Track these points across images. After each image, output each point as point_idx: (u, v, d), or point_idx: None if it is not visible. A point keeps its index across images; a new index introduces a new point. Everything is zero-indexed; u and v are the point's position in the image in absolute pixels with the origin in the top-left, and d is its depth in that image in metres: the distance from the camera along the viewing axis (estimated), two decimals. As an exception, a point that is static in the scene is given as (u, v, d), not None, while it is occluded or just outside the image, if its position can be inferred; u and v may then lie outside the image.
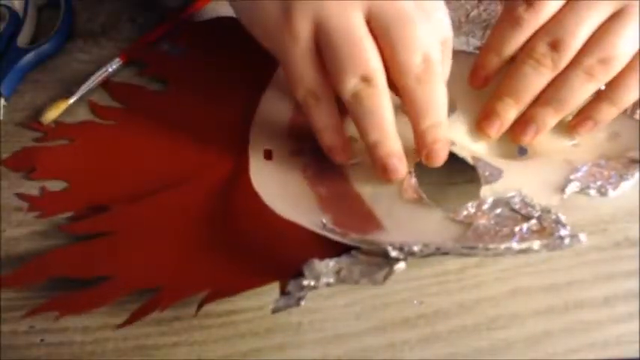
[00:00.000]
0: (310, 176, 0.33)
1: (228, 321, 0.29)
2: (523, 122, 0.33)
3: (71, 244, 0.31)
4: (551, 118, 0.32)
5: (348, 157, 0.33)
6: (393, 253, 0.27)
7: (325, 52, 0.29)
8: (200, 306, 0.28)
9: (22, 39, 0.40)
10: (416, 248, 0.27)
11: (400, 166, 0.31)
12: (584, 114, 0.33)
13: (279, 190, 0.33)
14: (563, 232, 0.28)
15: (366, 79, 0.28)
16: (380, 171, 0.31)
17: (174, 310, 0.29)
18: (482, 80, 0.34)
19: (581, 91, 0.31)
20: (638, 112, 0.34)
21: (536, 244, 0.27)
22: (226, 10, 0.40)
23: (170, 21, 0.41)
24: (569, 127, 0.34)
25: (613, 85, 0.32)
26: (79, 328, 0.29)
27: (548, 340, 0.28)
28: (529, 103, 0.33)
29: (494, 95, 0.33)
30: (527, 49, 0.32)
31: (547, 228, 0.28)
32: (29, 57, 0.39)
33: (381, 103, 0.29)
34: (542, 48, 0.31)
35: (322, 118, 0.31)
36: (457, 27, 0.38)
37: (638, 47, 0.31)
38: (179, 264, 0.30)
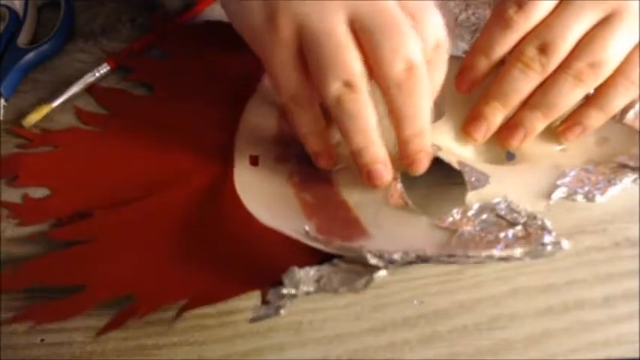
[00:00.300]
0: (296, 183, 0.33)
1: (228, 321, 0.29)
2: (511, 127, 0.33)
3: (50, 252, 0.31)
4: (539, 122, 0.32)
5: (334, 163, 0.33)
6: (373, 261, 0.27)
7: (308, 56, 0.29)
8: (178, 314, 0.28)
9: (22, 39, 0.40)
10: (396, 256, 0.27)
11: (385, 172, 0.31)
12: (573, 119, 0.33)
13: (264, 196, 0.33)
14: (547, 238, 0.28)
15: (348, 84, 0.28)
16: (365, 177, 0.31)
17: (174, 310, 0.29)
18: (468, 83, 0.33)
19: (570, 96, 0.31)
20: (626, 117, 0.34)
21: (517, 251, 0.27)
22: (214, 15, 0.41)
23: (157, 31, 0.41)
24: (557, 133, 0.34)
25: (601, 90, 0.32)
26: (79, 328, 0.29)
27: (548, 340, 0.28)
28: (516, 106, 0.32)
29: (481, 99, 0.33)
30: (515, 52, 0.32)
31: (532, 234, 0.28)
32: (29, 57, 0.39)
33: (364, 108, 0.29)
34: (530, 51, 0.31)
35: (306, 124, 0.31)
36: (449, 29, 0.38)
37: (626, 52, 0.31)
38: (158, 271, 0.30)
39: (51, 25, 0.40)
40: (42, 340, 0.29)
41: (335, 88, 0.28)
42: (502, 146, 0.34)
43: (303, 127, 0.31)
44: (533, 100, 0.32)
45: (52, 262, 0.31)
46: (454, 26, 0.38)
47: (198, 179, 0.34)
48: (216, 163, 0.34)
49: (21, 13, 0.41)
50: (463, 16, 0.38)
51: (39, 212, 0.33)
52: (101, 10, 0.42)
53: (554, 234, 0.28)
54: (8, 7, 0.40)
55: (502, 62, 0.32)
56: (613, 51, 0.30)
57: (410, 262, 0.27)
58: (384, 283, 0.30)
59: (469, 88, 0.34)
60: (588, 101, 0.32)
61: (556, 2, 0.31)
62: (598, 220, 0.31)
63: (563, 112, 0.32)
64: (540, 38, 0.31)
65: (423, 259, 0.27)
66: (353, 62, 0.28)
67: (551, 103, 0.31)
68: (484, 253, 0.27)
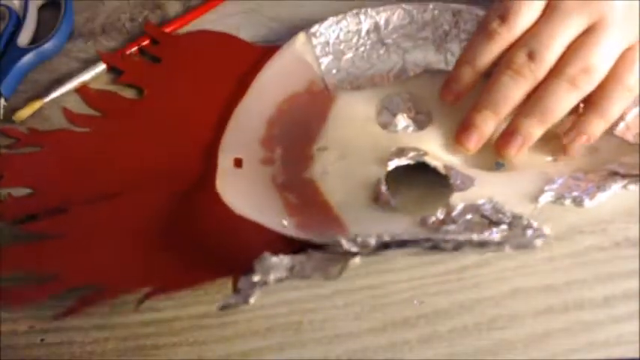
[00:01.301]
0: (279, 184, 0.34)
1: (228, 321, 0.29)
2: (507, 135, 0.33)
3: (26, 242, 0.32)
4: (536, 128, 0.32)
5: (454, 101, 0.34)
6: (346, 245, 0.26)
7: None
8: (141, 301, 0.29)
9: (22, 39, 0.40)
10: (370, 239, 0.26)
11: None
12: (577, 130, 0.33)
13: (245, 194, 0.33)
14: (529, 232, 0.28)
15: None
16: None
17: (175, 310, 0.29)
18: (454, 94, 0.34)
19: (565, 101, 0.31)
20: (617, 128, 0.34)
21: (496, 237, 0.27)
22: (208, 25, 0.41)
23: (148, 35, 0.41)
24: (563, 148, 0.33)
25: (599, 97, 0.32)
26: (79, 328, 0.29)
27: (548, 340, 0.28)
28: (507, 114, 0.32)
29: (472, 108, 0.33)
30: (505, 60, 0.32)
31: (516, 232, 0.28)
32: (29, 57, 0.39)
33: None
34: (520, 58, 0.31)
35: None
36: (439, 44, 0.39)
37: (615, 57, 0.31)
38: (128, 260, 0.31)
39: (51, 25, 0.40)
40: (42, 340, 0.29)
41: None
42: (500, 155, 0.33)
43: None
44: (528, 107, 0.32)
45: (24, 251, 0.31)
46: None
47: (179, 178, 0.34)
48: (198, 164, 0.35)
49: (21, 13, 0.41)
50: (453, 32, 0.39)
51: (17, 208, 0.33)
52: (101, 10, 0.42)
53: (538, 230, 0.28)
54: (8, 7, 0.40)
55: (487, 75, 0.33)
56: (603, 56, 0.31)
57: (385, 247, 0.26)
58: (384, 283, 0.30)
59: (454, 100, 0.34)
60: (587, 110, 0.32)
61: (539, 14, 0.31)
62: (598, 220, 0.31)
63: (558, 119, 0.32)
64: (529, 46, 0.31)
65: (398, 243, 0.26)
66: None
67: (547, 108, 0.31)
68: (461, 237, 0.26)
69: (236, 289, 0.27)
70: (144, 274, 0.30)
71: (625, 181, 0.31)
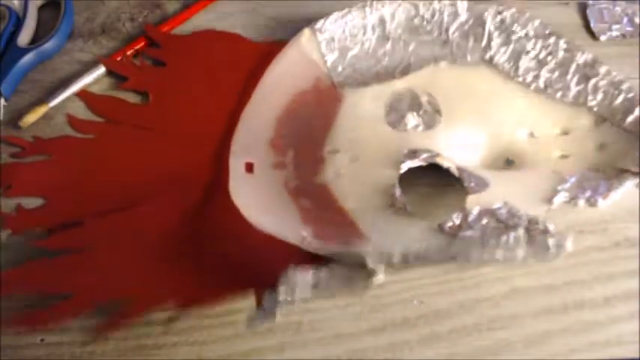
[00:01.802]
0: (292, 189, 0.33)
1: (228, 321, 0.29)
2: None
3: (38, 259, 0.31)
4: None
5: None
6: (371, 264, 0.26)
7: None
8: (171, 319, 0.28)
9: (22, 39, 0.40)
10: (395, 259, 0.26)
11: None
12: None
13: (259, 202, 0.32)
14: (550, 242, 0.27)
15: None
16: None
17: (175, 310, 0.29)
18: None
19: None
20: (626, 122, 0.34)
21: (520, 254, 0.27)
22: (207, 25, 0.41)
23: (147, 36, 0.41)
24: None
25: None
26: (79, 328, 0.29)
27: (548, 340, 0.28)
28: None
29: None
30: None
31: (534, 238, 0.28)
32: (29, 57, 0.39)
33: None
34: None
35: None
36: (443, 40, 0.38)
37: None
38: (149, 276, 0.30)
39: (51, 25, 0.40)
40: (42, 340, 0.29)
41: None
42: None
43: None
44: None
45: (40, 269, 0.30)
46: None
47: (192, 186, 0.33)
48: (210, 171, 0.34)
49: (21, 13, 0.41)
50: (459, 26, 0.38)
51: (30, 221, 0.33)
52: (101, 10, 0.42)
53: (556, 237, 0.28)
54: (8, 7, 0.40)
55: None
56: None
57: (408, 265, 0.27)
58: (383, 284, 0.29)
59: None
60: None
61: None
62: (598, 220, 0.31)
63: None
64: None
65: (422, 262, 0.27)
66: None
67: None
68: (486, 257, 0.26)
69: (260, 305, 0.27)
70: (167, 289, 0.29)
71: (637, 179, 0.31)
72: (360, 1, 0.38)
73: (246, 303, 0.29)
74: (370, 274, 0.27)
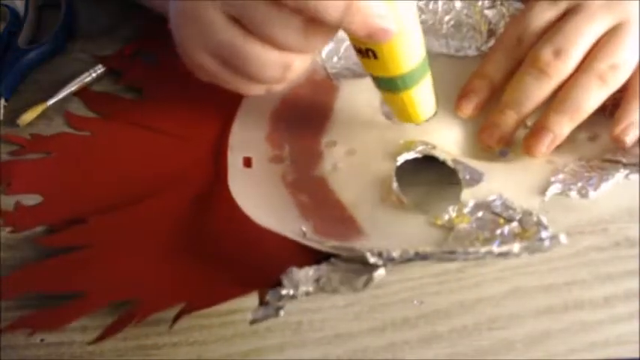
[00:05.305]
0: (290, 183, 0.33)
1: (228, 321, 0.29)
2: (538, 132, 0.32)
3: (46, 258, 0.31)
4: (567, 125, 0.32)
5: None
6: (372, 260, 0.26)
7: None
8: (175, 320, 0.28)
9: (22, 39, 0.40)
10: (395, 254, 0.26)
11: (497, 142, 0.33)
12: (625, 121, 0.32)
13: (259, 197, 0.32)
14: (544, 234, 0.28)
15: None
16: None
17: (174, 310, 0.29)
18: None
19: (595, 97, 0.31)
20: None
21: (516, 247, 0.27)
22: None
23: (147, 36, 0.41)
24: (611, 138, 0.32)
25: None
26: (79, 328, 0.29)
27: (548, 340, 0.28)
28: (530, 113, 0.32)
29: (496, 107, 0.33)
30: (529, 58, 0.32)
31: (528, 230, 0.28)
32: (29, 57, 0.39)
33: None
34: (546, 55, 0.31)
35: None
36: (437, 29, 0.38)
37: (639, 57, 0.31)
38: (155, 276, 0.30)
39: (51, 25, 0.40)
40: (42, 340, 0.29)
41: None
42: (530, 154, 0.33)
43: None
44: (558, 104, 0.32)
45: (49, 268, 0.30)
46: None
47: (192, 182, 0.34)
48: (209, 166, 0.34)
49: (21, 13, 0.41)
50: (452, 18, 0.38)
51: (32, 219, 0.33)
52: (101, 10, 0.42)
53: (550, 229, 0.28)
54: (8, 7, 0.40)
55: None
56: (628, 54, 0.31)
57: (409, 260, 0.27)
58: (383, 283, 0.30)
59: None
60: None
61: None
62: (598, 220, 0.31)
63: (587, 115, 0.32)
64: (554, 43, 0.31)
65: (422, 257, 0.27)
66: None
67: (578, 104, 0.31)
68: (483, 250, 0.27)
69: (263, 302, 0.27)
70: (174, 290, 0.29)
71: (627, 171, 0.31)
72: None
73: (247, 303, 0.29)
74: (371, 269, 0.27)
